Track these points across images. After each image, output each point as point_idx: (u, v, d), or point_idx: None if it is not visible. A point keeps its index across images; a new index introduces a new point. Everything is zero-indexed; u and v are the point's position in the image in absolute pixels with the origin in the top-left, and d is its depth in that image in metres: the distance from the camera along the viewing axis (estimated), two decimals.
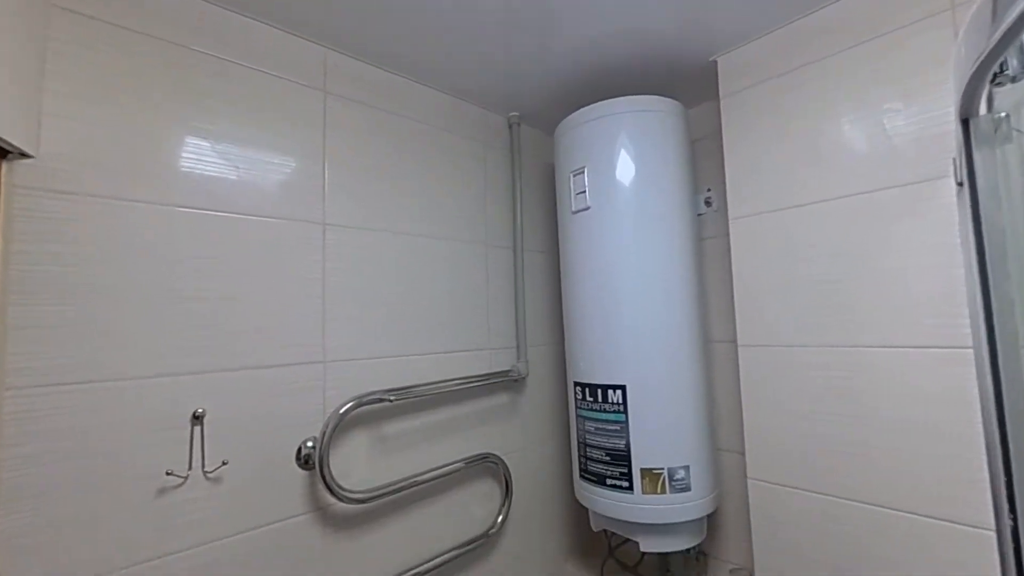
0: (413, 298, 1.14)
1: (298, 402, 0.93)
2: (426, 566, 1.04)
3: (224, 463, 0.82)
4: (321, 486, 0.91)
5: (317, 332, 0.97)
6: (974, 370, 0.75)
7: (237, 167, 0.90)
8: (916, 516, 0.82)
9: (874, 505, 0.86)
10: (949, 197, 0.79)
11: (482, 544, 1.17)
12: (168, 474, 0.77)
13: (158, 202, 0.81)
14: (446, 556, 1.07)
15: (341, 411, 0.92)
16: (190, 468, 0.80)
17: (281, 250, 0.93)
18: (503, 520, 1.22)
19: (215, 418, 0.83)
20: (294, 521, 0.90)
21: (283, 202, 0.94)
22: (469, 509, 1.19)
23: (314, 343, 0.96)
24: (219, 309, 0.85)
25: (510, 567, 1.26)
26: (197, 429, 0.81)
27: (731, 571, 1.14)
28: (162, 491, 0.77)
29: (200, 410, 0.81)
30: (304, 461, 0.92)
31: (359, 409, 0.99)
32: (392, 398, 0.98)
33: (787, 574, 0.96)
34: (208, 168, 0.86)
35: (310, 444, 0.92)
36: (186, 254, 0.83)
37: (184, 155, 0.84)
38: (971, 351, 0.76)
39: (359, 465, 1.00)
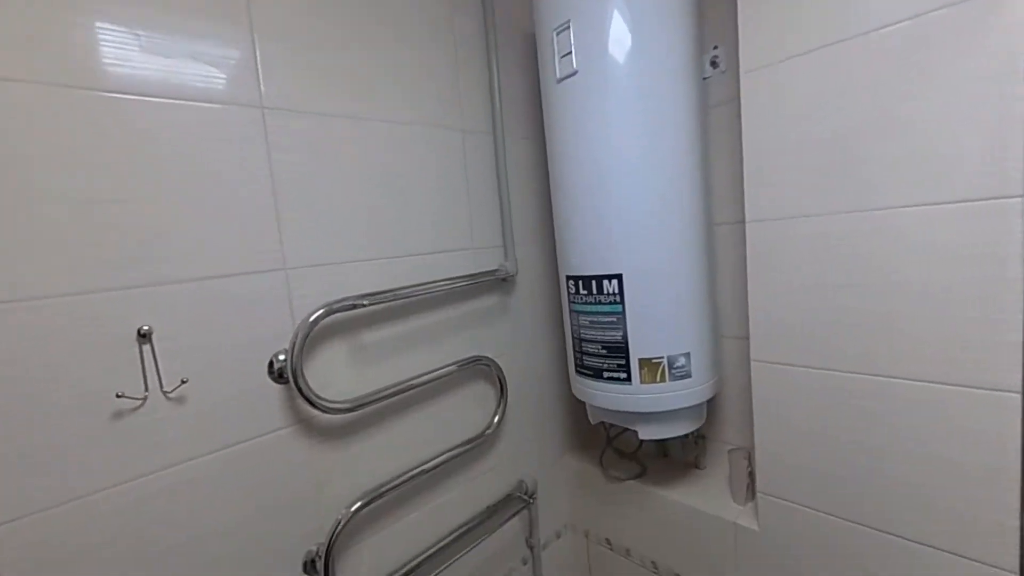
0: (382, 194, 1.01)
1: (261, 314, 0.84)
2: (421, 468, 1.02)
3: (183, 382, 0.74)
4: (300, 399, 0.84)
5: (272, 236, 0.85)
6: (1021, 220, 0.66)
7: (138, 36, 0.72)
8: (930, 384, 0.77)
9: (885, 376, 0.81)
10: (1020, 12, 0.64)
11: (479, 444, 1.15)
12: (119, 396, 0.69)
13: (45, 82, 0.65)
14: (442, 458, 1.05)
15: (311, 319, 0.83)
16: (146, 389, 0.72)
17: (212, 140, 0.78)
18: (499, 420, 1.19)
19: (166, 335, 0.74)
20: (275, 435, 0.85)
21: (203, 80, 0.77)
22: (463, 412, 1.16)
23: (270, 249, 0.85)
24: (147, 213, 0.72)
25: (508, 464, 1.27)
26: (146, 348, 0.72)
27: (729, 452, 1.14)
28: (118, 414, 0.70)
29: (145, 327, 0.72)
30: (278, 375, 0.85)
31: (334, 317, 0.90)
32: (366, 302, 0.89)
33: (788, 449, 0.94)
34: (105, 38, 0.69)
35: (282, 357, 0.85)
36: (92, 148, 0.68)
37: (70, 20, 0.66)
38: (1019, 200, 0.66)
39: (341, 375, 0.94)
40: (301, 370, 0.83)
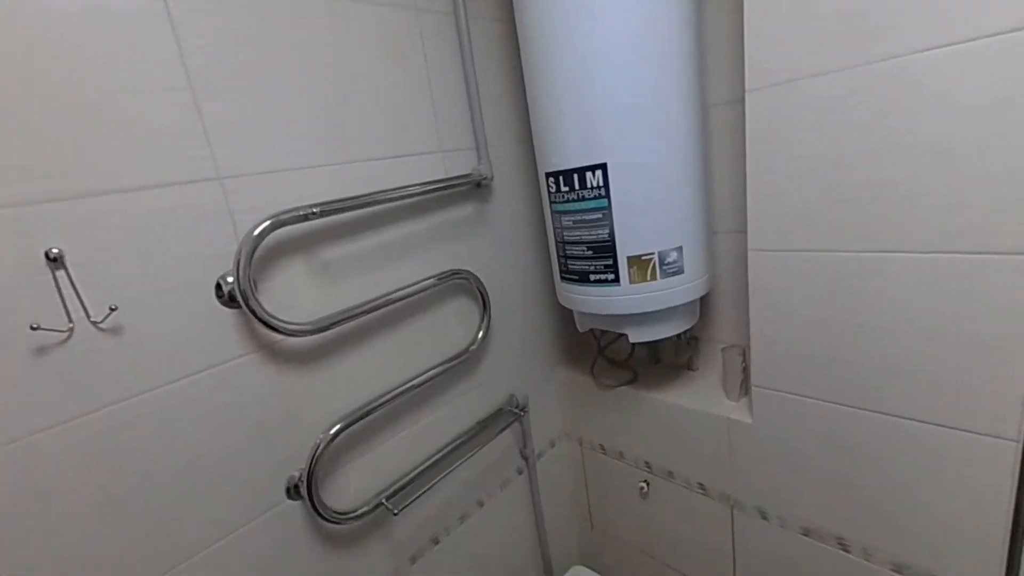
0: (329, 88, 0.86)
1: (198, 230, 0.73)
2: (404, 387, 0.97)
3: (113, 309, 0.65)
4: (256, 323, 0.76)
5: (196, 139, 0.72)
6: None
7: None
8: (943, 254, 0.71)
9: (891, 251, 0.75)
10: None
11: (464, 361, 1.10)
12: (34, 329, 0.60)
13: None
14: (424, 376, 1.00)
15: (255, 233, 0.73)
16: (70, 320, 0.63)
17: (97, 18, 0.63)
18: (483, 336, 1.13)
19: (84, 259, 0.64)
20: (236, 363, 0.78)
21: None
22: (444, 330, 1.09)
23: (196, 154, 0.72)
24: (32, 113, 0.59)
25: (497, 379, 1.23)
26: (61, 274, 0.62)
27: (723, 349, 1.10)
28: (41, 350, 0.61)
29: (55, 250, 0.61)
30: (229, 298, 0.76)
31: (289, 232, 0.81)
32: (318, 210, 0.79)
33: (786, 339, 0.90)
34: None
35: (230, 279, 0.75)
36: None
37: None
38: None
39: (305, 297, 0.85)
40: (252, 291, 0.74)
